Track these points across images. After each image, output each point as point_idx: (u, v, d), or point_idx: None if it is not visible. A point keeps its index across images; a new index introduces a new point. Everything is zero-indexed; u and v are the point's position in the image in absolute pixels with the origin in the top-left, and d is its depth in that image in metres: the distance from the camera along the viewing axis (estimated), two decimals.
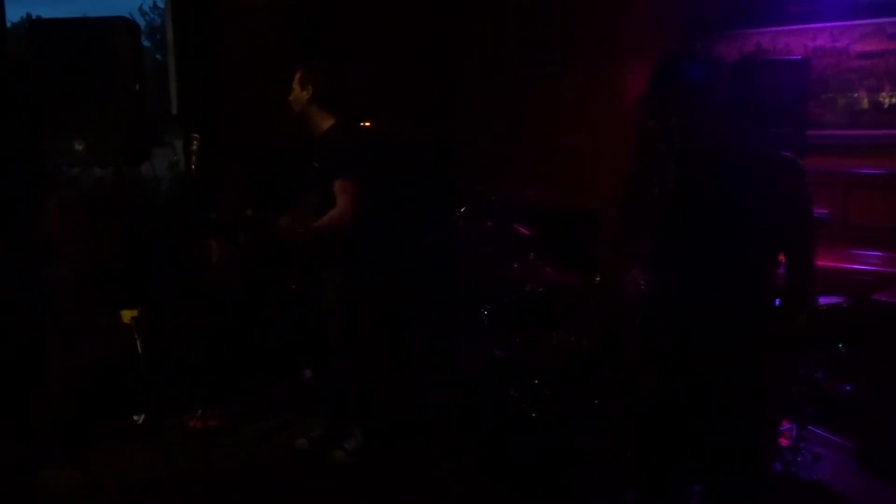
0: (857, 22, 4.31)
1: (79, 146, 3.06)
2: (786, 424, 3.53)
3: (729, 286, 2.02)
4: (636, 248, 2.25)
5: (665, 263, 2.14)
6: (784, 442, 3.44)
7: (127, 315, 3.26)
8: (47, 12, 3.20)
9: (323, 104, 3.46)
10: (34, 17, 4.15)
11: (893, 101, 4.26)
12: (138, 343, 3.22)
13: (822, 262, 3.76)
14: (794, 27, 4.53)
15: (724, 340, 2.02)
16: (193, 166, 2.91)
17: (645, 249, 2.20)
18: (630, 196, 2.22)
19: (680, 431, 2.10)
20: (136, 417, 3.84)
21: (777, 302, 2.11)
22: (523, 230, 4.03)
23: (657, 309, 2.15)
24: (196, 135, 2.86)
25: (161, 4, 11.93)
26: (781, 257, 2.09)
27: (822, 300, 3.35)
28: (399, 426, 3.88)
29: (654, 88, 1.96)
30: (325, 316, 3.55)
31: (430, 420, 3.80)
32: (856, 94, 4.37)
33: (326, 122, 3.48)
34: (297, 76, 3.47)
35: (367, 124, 4.50)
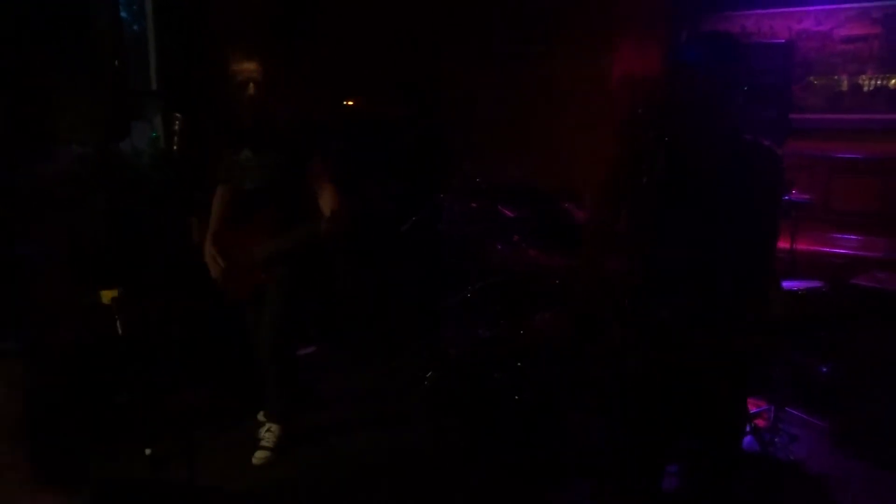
0: (841, 6, 4.31)
1: (59, 122, 2.99)
2: (763, 405, 3.59)
3: (717, 269, 2.05)
4: (616, 231, 2.26)
5: (654, 247, 2.14)
6: (762, 423, 3.50)
7: (107, 295, 3.22)
8: None
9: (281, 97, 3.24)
10: None
11: (876, 85, 4.28)
12: (118, 324, 3.19)
13: (801, 246, 3.85)
14: (779, 10, 4.52)
15: (712, 322, 2.05)
16: (175, 146, 2.86)
17: (624, 232, 2.21)
18: (613, 180, 2.22)
19: (660, 409, 2.13)
20: (118, 397, 3.81)
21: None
22: (507, 212, 4.02)
23: (644, 291, 2.16)
24: (178, 114, 2.80)
25: None
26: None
27: (802, 284, 3.39)
28: (380, 409, 3.88)
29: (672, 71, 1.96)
30: (278, 301, 3.36)
31: (413, 402, 3.81)
32: (839, 78, 4.38)
33: (281, 113, 3.26)
34: (247, 69, 3.14)
35: (350, 103, 4.45)
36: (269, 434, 3.46)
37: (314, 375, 4.24)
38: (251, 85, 3.11)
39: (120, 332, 3.18)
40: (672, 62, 2.06)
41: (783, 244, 3.77)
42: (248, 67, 3.11)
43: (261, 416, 3.66)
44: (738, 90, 2.02)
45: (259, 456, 3.38)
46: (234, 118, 3.24)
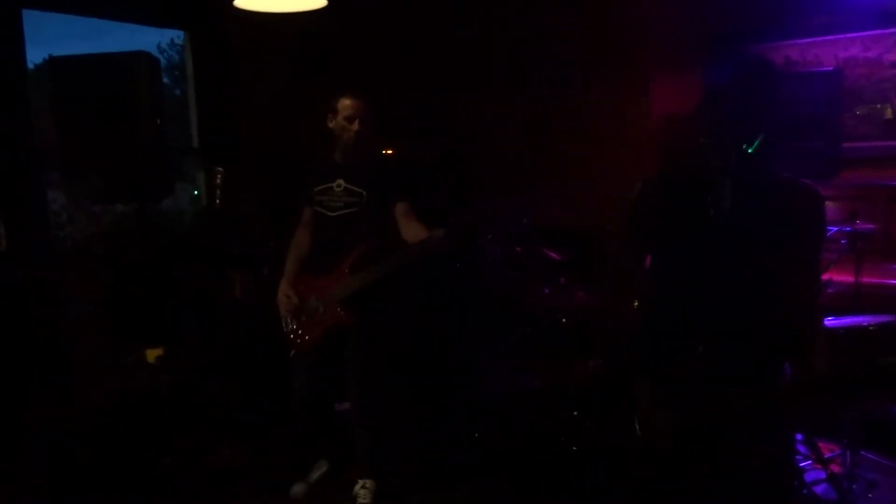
0: (889, 30, 4.20)
1: (99, 183, 3.01)
2: (837, 450, 3.38)
3: (748, 316, 1.94)
4: (640, 269, 2.15)
5: (681, 288, 2.01)
6: (837, 469, 3.28)
7: (151, 354, 3.19)
8: (69, 52, 3.19)
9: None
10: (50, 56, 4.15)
11: None
12: (163, 382, 3.15)
13: (864, 279, 3.67)
14: (823, 38, 4.42)
15: (743, 374, 1.92)
16: (217, 200, 2.85)
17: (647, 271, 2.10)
18: (639, 215, 2.13)
19: (693, 464, 1.99)
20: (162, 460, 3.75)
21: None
22: (553, 254, 3.93)
23: (666, 337, 2.04)
24: (220, 168, 2.81)
25: (179, 41, 12.10)
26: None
27: (871, 319, 3.21)
28: (428, 464, 3.74)
29: (715, 98, 1.88)
30: (365, 359, 3.29)
31: (459, 455, 3.67)
32: (891, 104, 4.24)
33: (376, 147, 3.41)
34: (355, 106, 3.24)
35: (390, 151, 4.45)
36: (364, 491, 3.31)
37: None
38: (357, 121, 3.21)
39: (165, 390, 3.13)
40: (704, 85, 1.98)
41: (847, 277, 3.61)
42: (357, 105, 3.23)
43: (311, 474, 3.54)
44: (772, 117, 1.91)
45: None
46: (335, 150, 3.29)
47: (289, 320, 3.31)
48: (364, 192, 3.24)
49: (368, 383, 3.29)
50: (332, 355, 3.28)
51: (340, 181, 3.28)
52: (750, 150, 1.76)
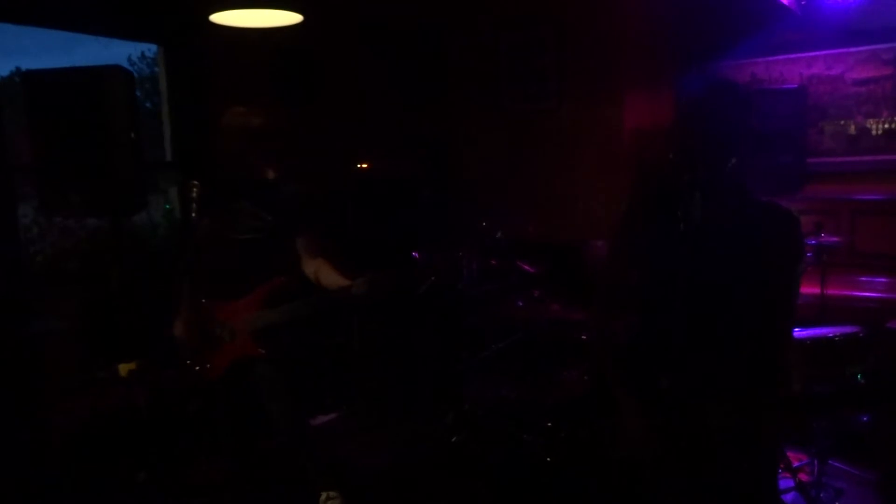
0: (851, 49, 4.33)
1: (74, 197, 2.99)
2: (805, 459, 3.45)
3: (723, 337, 1.97)
4: (625, 286, 2.18)
5: (671, 302, 2.05)
6: (805, 477, 3.35)
7: (124, 369, 3.16)
8: (36, 65, 3.16)
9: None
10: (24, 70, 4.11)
11: (892, 126, 4.26)
12: (137, 397, 3.12)
13: (830, 291, 3.77)
14: (788, 56, 4.55)
15: (717, 394, 1.95)
16: (193, 214, 2.83)
17: (632, 287, 2.13)
18: (626, 231, 2.16)
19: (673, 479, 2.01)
20: (138, 475, 3.71)
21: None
22: (527, 267, 3.96)
23: (653, 348, 2.07)
24: (195, 181, 2.79)
25: (149, 54, 12.00)
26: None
27: (837, 330, 3.29)
28: (403, 477, 3.75)
29: (685, 116, 1.92)
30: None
31: (436, 468, 3.69)
32: (854, 121, 4.37)
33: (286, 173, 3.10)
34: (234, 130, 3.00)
35: (364, 166, 4.47)
36: (331, 502, 3.24)
37: (337, 442, 4.13)
38: (246, 152, 3.00)
39: (139, 405, 3.10)
40: (682, 101, 2.02)
41: (813, 289, 3.69)
42: (254, 122, 3.00)
43: None
44: (742, 134, 1.96)
45: None
46: (239, 170, 3.06)
47: (188, 345, 3.05)
48: (268, 219, 3.00)
49: (297, 417, 3.15)
50: (242, 383, 3.08)
51: (246, 203, 3.04)
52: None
